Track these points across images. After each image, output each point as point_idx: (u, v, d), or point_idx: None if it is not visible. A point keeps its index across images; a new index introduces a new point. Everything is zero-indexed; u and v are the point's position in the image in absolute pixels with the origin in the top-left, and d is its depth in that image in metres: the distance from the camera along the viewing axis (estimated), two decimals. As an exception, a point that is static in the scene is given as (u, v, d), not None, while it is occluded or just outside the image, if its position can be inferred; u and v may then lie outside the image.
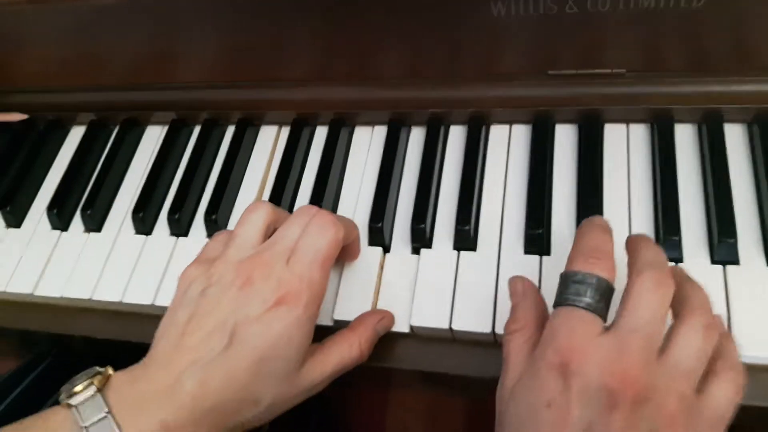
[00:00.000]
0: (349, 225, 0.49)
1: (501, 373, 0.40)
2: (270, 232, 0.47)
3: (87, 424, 0.39)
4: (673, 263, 0.47)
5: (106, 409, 0.39)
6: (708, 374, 0.37)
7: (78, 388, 0.40)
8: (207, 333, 0.42)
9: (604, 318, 0.37)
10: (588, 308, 0.37)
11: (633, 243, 0.40)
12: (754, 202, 0.49)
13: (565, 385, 0.35)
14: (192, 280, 0.45)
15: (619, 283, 0.38)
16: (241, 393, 0.41)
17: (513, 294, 0.43)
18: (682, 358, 0.36)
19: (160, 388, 0.41)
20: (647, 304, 0.36)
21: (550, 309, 0.40)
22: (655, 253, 0.39)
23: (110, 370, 0.42)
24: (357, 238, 0.52)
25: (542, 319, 0.41)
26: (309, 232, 0.45)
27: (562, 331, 0.36)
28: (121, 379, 0.42)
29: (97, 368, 0.42)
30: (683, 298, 0.39)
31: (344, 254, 0.51)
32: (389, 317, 0.49)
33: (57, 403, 0.41)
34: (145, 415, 0.40)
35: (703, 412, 0.36)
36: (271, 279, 0.43)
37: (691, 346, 0.36)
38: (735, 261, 0.47)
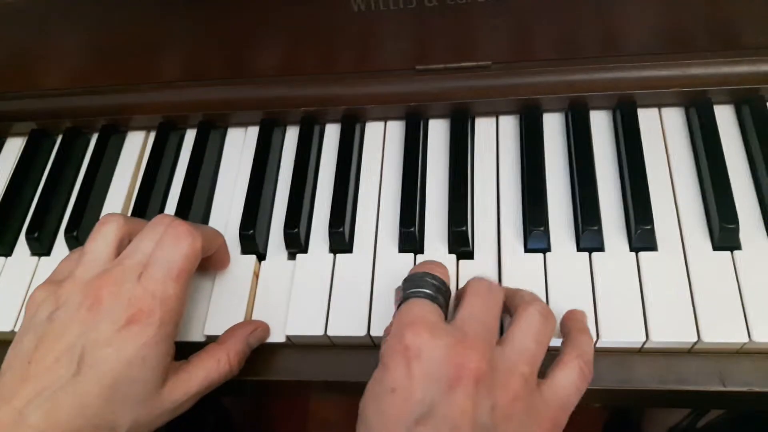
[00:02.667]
0: (209, 233, 0.47)
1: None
2: (124, 246, 0.44)
3: None
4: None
5: None
6: (557, 362, 0.40)
7: None
8: (53, 360, 0.40)
9: (443, 310, 0.40)
10: (428, 297, 0.40)
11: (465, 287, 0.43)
12: (618, 188, 0.50)
13: (407, 369, 0.36)
14: (39, 304, 0.42)
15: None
16: (94, 420, 0.39)
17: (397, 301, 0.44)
18: (522, 342, 0.38)
19: (3, 425, 0.38)
20: (480, 299, 0.39)
21: None
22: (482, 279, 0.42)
23: None
24: (223, 246, 0.49)
25: None
26: (162, 244, 0.43)
27: (405, 319, 0.38)
28: None
29: None
30: (518, 299, 0.42)
31: (211, 264, 0.49)
32: (263, 328, 0.48)
33: None
34: None
35: (547, 395, 0.38)
36: (120, 297, 0.41)
37: (530, 331, 0.39)
38: (600, 248, 0.48)
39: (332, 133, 0.57)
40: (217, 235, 0.48)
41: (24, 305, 0.52)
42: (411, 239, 0.49)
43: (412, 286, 0.41)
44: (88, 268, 0.43)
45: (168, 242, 0.43)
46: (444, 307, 0.40)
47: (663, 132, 0.53)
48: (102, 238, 0.44)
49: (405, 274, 0.48)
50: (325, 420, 1.08)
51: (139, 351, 0.40)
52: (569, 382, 0.38)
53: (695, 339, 0.43)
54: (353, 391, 0.47)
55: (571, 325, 0.42)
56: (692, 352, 0.45)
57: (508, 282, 0.47)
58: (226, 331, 0.47)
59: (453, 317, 0.39)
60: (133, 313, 0.40)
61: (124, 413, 0.40)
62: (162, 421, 0.42)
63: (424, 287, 0.40)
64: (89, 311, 0.41)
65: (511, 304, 0.42)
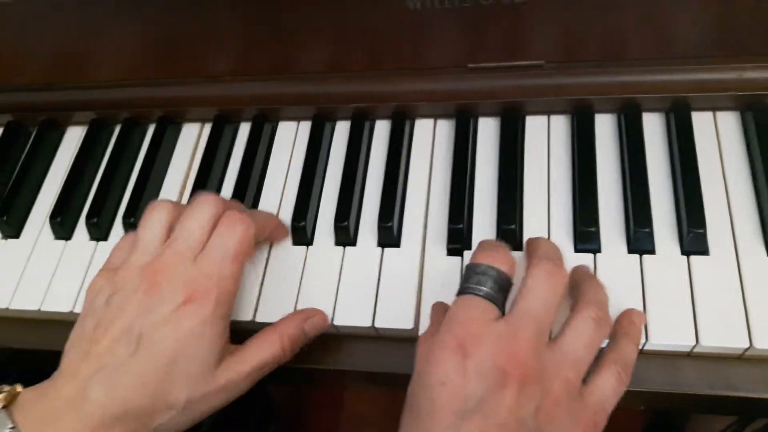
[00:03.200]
0: (262, 219, 0.49)
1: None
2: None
3: None
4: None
5: (11, 425, 0.38)
6: (597, 364, 0.40)
7: None
8: (113, 340, 0.41)
9: (501, 307, 0.40)
10: (486, 297, 0.39)
11: (530, 241, 0.44)
12: (670, 191, 0.50)
13: (460, 365, 0.37)
14: (98, 291, 0.44)
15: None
16: (153, 397, 0.41)
17: (433, 315, 0.46)
18: (572, 347, 0.39)
19: (68, 401, 0.40)
20: (539, 293, 0.39)
21: None
22: (550, 247, 0.42)
23: (18, 388, 0.41)
24: (279, 225, 0.52)
25: None
26: (218, 232, 0.44)
27: (461, 316, 0.39)
28: (29, 395, 0.41)
29: (5, 386, 0.41)
30: (581, 293, 0.41)
31: (272, 238, 0.52)
32: (321, 317, 0.48)
33: None
34: (53, 428, 0.39)
35: (587, 398, 0.38)
36: (176, 279, 0.42)
37: (581, 336, 0.39)
38: (651, 250, 0.47)
39: (382, 129, 0.58)
40: (270, 218, 0.51)
41: (82, 287, 0.54)
42: (459, 236, 0.50)
43: (473, 281, 0.40)
44: (142, 254, 0.44)
45: (223, 230, 0.44)
46: (503, 302, 0.40)
47: (717, 135, 0.52)
48: (152, 225, 0.46)
49: (451, 272, 0.49)
50: (359, 414, 1.10)
51: (196, 328, 0.42)
52: (608, 386, 0.39)
53: (747, 345, 0.42)
54: (394, 383, 0.48)
55: (618, 328, 0.43)
56: (743, 359, 0.44)
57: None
58: (283, 317, 0.48)
59: (511, 308, 0.39)
60: (190, 293, 0.42)
61: (180, 390, 0.41)
62: (217, 403, 0.44)
63: (484, 284, 0.40)
64: (146, 294, 0.42)
65: (571, 293, 0.42)
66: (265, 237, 0.50)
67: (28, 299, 0.54)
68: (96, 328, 0.42)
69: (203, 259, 0.43)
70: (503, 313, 0.40)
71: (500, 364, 0.36)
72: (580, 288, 0.42)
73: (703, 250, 0.46)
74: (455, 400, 0.36)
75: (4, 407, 0.40)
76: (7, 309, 0.54)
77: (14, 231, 0.59)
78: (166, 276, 0.42)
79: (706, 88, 0.52)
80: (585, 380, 0.39)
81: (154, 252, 0.44)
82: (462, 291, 0.41)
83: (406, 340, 0.48)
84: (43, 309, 0.54)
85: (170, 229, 0.46)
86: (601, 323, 0.40)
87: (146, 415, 0.41)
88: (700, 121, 0.52)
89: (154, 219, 0.46)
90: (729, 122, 0.53)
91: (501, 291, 0.40)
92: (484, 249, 0.42)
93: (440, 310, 0.45)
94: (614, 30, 0.51)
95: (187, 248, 0.44)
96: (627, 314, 0.44)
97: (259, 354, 0.45)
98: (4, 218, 0.58)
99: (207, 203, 0.45)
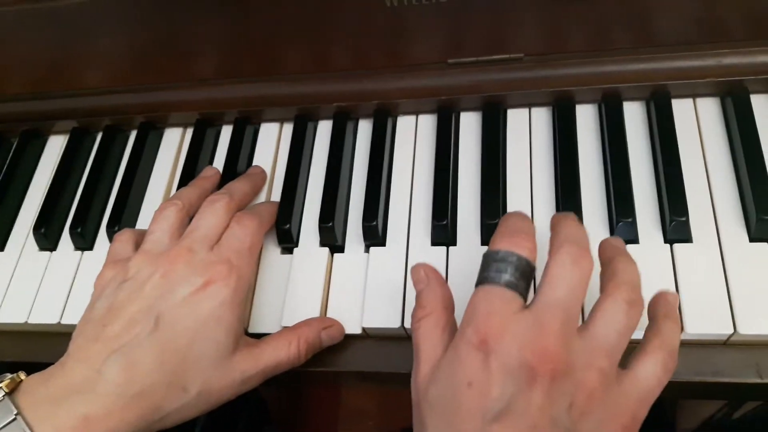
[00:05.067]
0: (266, 212, 0.51)
1: (413, 364, 0.39)
2: (185, 226, 0.47)
3: None
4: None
5: (15, 411, 0.38)
6: (639, 351, 0.37)
7: None
8: (129, 320, 0.41)
9: (524, 296, 0.37)
10: (508, 286, 0.36)
11: (555, 220, 0.40)
12: (652, 179, 0.50)
13: (484, 363, 0.34)
14: (108, 279, 0.45)
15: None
16: (168, 377, 0.41)
17: (416, 281, 0.42)
18: (603, 334, 0.36)
19: (80, 382, 0.40)
20: (565, 279, 0.36)
21: (457, 296, 0.41)
22: (576, 229, 0.38)
23: (22, 375, 0.41)
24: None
25: (448, 301, 0.41)
26: (231, 228, 0.46)
27: (482, 309, 0.36)
28: (33, 381, 0.41)
29: (6, 374, 0.41)
30: (612, 272, 0.38)
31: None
32: (337, 327, 0.48)
33: None
34: (63, 410, 0.39)
35: (626, 387, 0.36)
36: (195, 264, 0.43)
37: (613, 322, 0.36)
38: (635, 240, 0.48)
39: (365, 127, 0.58)
40: (272, 208, 0.52)
41: (68, 298, 0.54)
42: (443, 232, 0.50)
43: (492, 269, 0.37)
44: (156, 244, 0.45)
45: (236, 225, 0.47)
46: (525, 290, 0.37)
47: (698, 121, 0.52)
48: (164, 219, 0.47)
49: (437, 267, 0.49)
50: (356, 408, 1.10)
51: (215, 311, 0.42)
52: (651, 373, 0.36)
53: (731, 331, 0.43)
54: (388, 381, 0.48)
55: (656, 309, 0.39)
56: (728, 344, 0.44)
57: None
58: (302, 321, 0.47)
59: (535, 297, 0.37)
60: (210, 276, 0.43)
61: (196, 374, 0.42)
62: (228, 393, 0.43)
63: (504, 272, 0.36)
64: (163, 277, 0.43)
65: (602, 274, 0.39)
66: (270, 226, 0.52)
67: (14, 312, 0.54)
68: (109, 311, 0.42)
69: (220, 248, 0.45)
70: (526, 301, 0.37)
71: (527, 360, 0.33)
72: (610, 266, 0.39)
73: (686, 238, 0.47)
74: (482, 401, 0.34)
75: (7, 394, 0.39)
76: (-7, 322, 0.54)
77: (-2, 244, 0.59)
78: (185, 261, 0.43)
79: (686, 75, 0.52)
80: (624, 367, 0.37)
81: (168, 242, 0.45)
82: (481, 281, 0.37)
83: (394, 338, 0.48)
84: (30, 321, 0.53)
85: (181, 224, 0.47)
86: (634, 306, 0.36)
87: (161, 397, 0.41)
88: (681, 108, 0.53)
89: (165, 215, 0.47)
90: (709, 108, 0.53)
91: (523, 278, 0.37)
92: (503, 234, 0.38)
93: (432, 290, 0.41)
94: (593, 21, 0.51)
95: (203, 239, 0.45)
96: (662, 296, 0.40)
97: (276, 352, 0.45)
98: (-13, 231, 0.58)
99: (219, 202, 0.47)
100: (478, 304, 0.36)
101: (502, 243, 0.37)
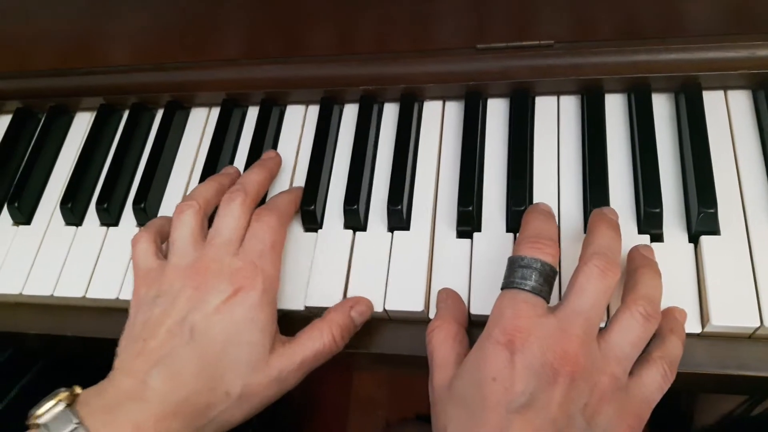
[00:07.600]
0: (285, 202, 0.51)
1: (430, 370, 0.43)
2: (206, 226, 0.48)
3: None
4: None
5: (76, 421, 0.40)
6: (644, 359, 0.41)
7: (45, 407, 0.41)
8: (166, 332, 0.43)
9: (547, 299, 0.40)
10: (533, 291, 0.40)
11: (594, 220, 0.43)
12: (677, 170, 0.50)
13: (510, 361, 0.37)
14: (142, 296, 0.46)
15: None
16: (210, 383, 0.42)
17: (438, 302, 0.47)
18: (619, 344, 0.39)
19: (128, 393, 0.42)
20: (590, 291, 0.39)
21: (480, 282, 0.45)
22: (609, 239, 0.41)
23: (78, 389, 0.43)
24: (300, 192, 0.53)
25: (462, 317, 0.45)
26: (252, 229, 0.47)
27: (508, 312, 0.39)
28: (89, 393, 0.43)
29: (62, 389, 0.42)
30: (634, 283, 0.42)
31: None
32: (365, 303, 0.48)
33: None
34: (117, 420, 0.40)
35: (632, 393, 0.39)
36: (223, 273, 0.44)
37: (628, 333, 0.40)
38: (659, 232, 0.47)
39: (391, 111, 0.58)
40: (293, 196, 0.52)
41: (94, 272, 0.54)
42: (468, 218, 0.50)
43: (518, 275, 0.40)
44: (182, 255, 0.46)
45: (257, 225, 0.47)
46: (548, 293, 0.40)
47: (729, 114, 0.51)
48: (184, 226, 0.47)
49: (461, 255, 0.49)
50: (367, 396, 1.10)
51: (248, 314, 0.43)
52: (652, 380, 0.40)
53: (758, 324, 0.42)
54: (405, 364, 0.48)
55: (664, 324, 0.42)
56: (753, 338, 0.44)
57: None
58: (330, 307, 0.48)
59: (561, 303, 0.40)
60: (238, 284, 0.44)
61: (236, 376, 0.43)
62: (271, 394, 0.45)
63: (529, 278, 0.40)
64: (196, 290, 0.44)
65: (626, 281, 0.43)
66: (292, 216, 0.52)
67: (40, 285, 0.55)
68: (145, 327, 0.44)
69: (244, 251, 0.46)
70: (548, 302, 0.40)
71: (550, 361, 0.37)
72: (634, 276, 0.42)
73: (714, 230, 0.46)
74: (506, 395, 0.37)
75: (67, 406, 0.41)
76: (20, 294, 0.55)
77: (25, 217, 0.59)
78: (213, 272, 0.44)
79: (717, 66, 0.51)
80: (631, 373, 0.40)
81: (193, 251, 0.46)
82: (506, 285, 0.41)
83: (416, 322, 0.49)
84: (55, 294, 0.54)
85: (202, 226, 0.48)
86: (650, 320, 0.40)
87: (205, 403, 0.42)
88: (711, 100, 0.52)
89: (183, 221, 0.47)
90: (740, 101, 0.52)
91: (546, 283, 0.40)
92: (527, 239, 0.42)
93: (448, 306, 0.45)
94: (625, 9, 0.51)
95: (226, 245, 0.46)
96: (671, 311, 0.43)
97: (310, 344, 0.46)
98: (16, 205, 0.58)
99: (235, 201, 0.48)
100: (504, 308, 0.40)
101: (527, 249, 0.41)
